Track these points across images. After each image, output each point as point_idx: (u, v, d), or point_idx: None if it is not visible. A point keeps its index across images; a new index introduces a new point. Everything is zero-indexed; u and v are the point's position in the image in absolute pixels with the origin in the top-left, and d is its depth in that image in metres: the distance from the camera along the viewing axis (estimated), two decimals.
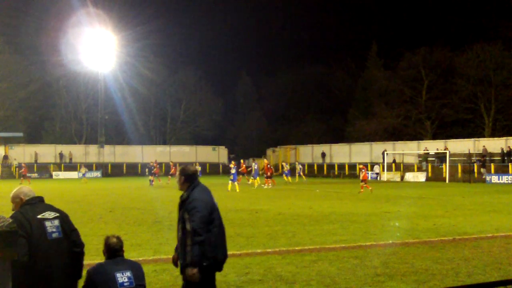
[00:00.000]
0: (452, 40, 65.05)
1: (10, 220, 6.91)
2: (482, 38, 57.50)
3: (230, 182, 30.24)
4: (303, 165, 62.58)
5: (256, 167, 35.95)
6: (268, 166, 35.56)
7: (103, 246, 4.86)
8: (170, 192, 29.85)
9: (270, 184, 34.19)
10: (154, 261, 9.28)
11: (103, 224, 14.48)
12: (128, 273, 4.60)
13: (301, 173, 47.56)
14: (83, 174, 46.79)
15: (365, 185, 28.79)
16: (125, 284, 4.53)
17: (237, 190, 29.19)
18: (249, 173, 39.80)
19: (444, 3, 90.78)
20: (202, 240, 5.10)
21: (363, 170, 29.81)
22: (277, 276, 8.07)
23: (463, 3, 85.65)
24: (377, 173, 51.00)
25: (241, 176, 40.19)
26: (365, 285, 7.51)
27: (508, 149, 44.20)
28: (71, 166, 58.69)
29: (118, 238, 4.86)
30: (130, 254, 9.75)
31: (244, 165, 40.97)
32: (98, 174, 58.34)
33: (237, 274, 8.18)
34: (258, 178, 35.58)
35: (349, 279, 7.85)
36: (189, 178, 5.50)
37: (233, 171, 30.51)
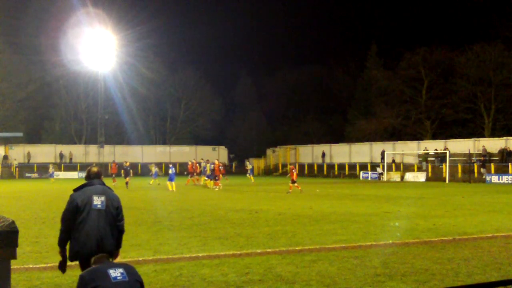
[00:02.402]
0: (452, 40, 65.18)
1: (10, 220, 6.92)
2: (482, 38, 57.64)
3: (168, 182, 31.32)
4: (302, 165, 62.76)
5: (211, 167, 33.66)
6: (220, 167, 33.73)
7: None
8: (170, 192, 29.83)
9: (217, 187, 31.84)
10: (154, 261, 9.27)
11: None
12: (121, 270, 4.71)
13: (250, 174, 45.31)
14: (50, 174, 46.36)
15: (295, 185, 28.65)
16: (118, 278, 4.62)
17: (169, 188, 30.38)
18: (199, 173, 38.06)
19: (444, 3, 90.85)
20: (61, 230, 5.99)
21: (293, 171, 29.29)
22: (277, 276, 8.06)
23: (463, 3, 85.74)
24: (380, 173, 50.76)
25: (193, 177, 38.26)
26: (365, 285, 7.50)
27: (506, 149, 44.25)
28: (71, 166, 58.72)
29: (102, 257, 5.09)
30: (130, 254, 9.75)
31: (196, 165, 38.86)
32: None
33: (237, 274, 8.18)
34: (209, 179, 33.65)
35: (349, 279, 7.84)
36: (86, 178, 6.36)
37: (170, 171, 31.73)
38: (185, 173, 41.08)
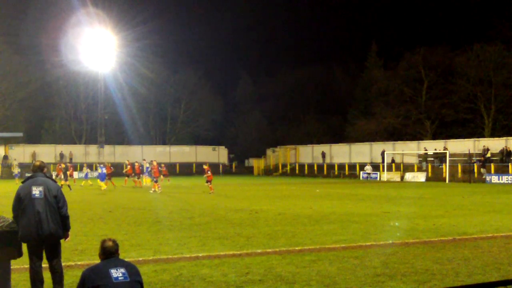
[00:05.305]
0: (452, 40, 65.30)
1: (10, 220, 6.92)
2: (482, 38, 57.65)
3: (99, 181, 31.88)
4: (302, 165, 62.73)
5: (150, 168, 31.63)
6: (159, 168, 31.64)
7: (99, 249, 5.02)
8: (170, 192, 29.82)
9: (157, 189, 29.15)
10: (154, 261, 9.27)
11: (103, 224, 14.47)
12: (122, 270, 4.72)
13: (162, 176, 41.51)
14: (16, 174, 45.86)
15: (209, 185, 28.00)
16: (120, 278, 4.63)
17: (101, 189, 30.81)
18: (136, 174, 35.81)
19: (444, 3, 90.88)
20: (13, 217, 7.02)
21: (208, 172, 28.18)
22: (277, 276, 8.07)
23: (463, 3, 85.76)
24: (368, 173, 51.04)
25: (139, 178, 35.78)
26: (365, 285, 7.51)
27: (504, 149, 44.23)
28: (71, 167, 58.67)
29: (114, 241, 5.04)
30: (130, 254, 9.75)
31: (132, 166, 36.19)
32: (97, 174, 58.22)
33: (237, 274, 8.18)
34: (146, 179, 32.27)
35: (349, 279, 7.85)
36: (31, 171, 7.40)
37: (99, 170, 32.08)
38: (132, 174, 36.71)
